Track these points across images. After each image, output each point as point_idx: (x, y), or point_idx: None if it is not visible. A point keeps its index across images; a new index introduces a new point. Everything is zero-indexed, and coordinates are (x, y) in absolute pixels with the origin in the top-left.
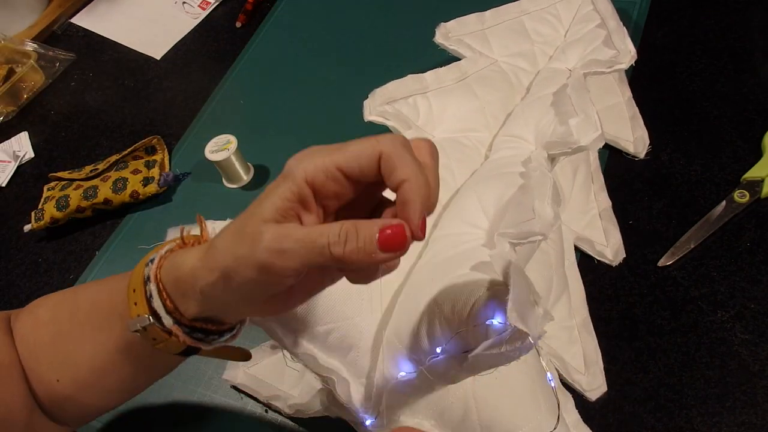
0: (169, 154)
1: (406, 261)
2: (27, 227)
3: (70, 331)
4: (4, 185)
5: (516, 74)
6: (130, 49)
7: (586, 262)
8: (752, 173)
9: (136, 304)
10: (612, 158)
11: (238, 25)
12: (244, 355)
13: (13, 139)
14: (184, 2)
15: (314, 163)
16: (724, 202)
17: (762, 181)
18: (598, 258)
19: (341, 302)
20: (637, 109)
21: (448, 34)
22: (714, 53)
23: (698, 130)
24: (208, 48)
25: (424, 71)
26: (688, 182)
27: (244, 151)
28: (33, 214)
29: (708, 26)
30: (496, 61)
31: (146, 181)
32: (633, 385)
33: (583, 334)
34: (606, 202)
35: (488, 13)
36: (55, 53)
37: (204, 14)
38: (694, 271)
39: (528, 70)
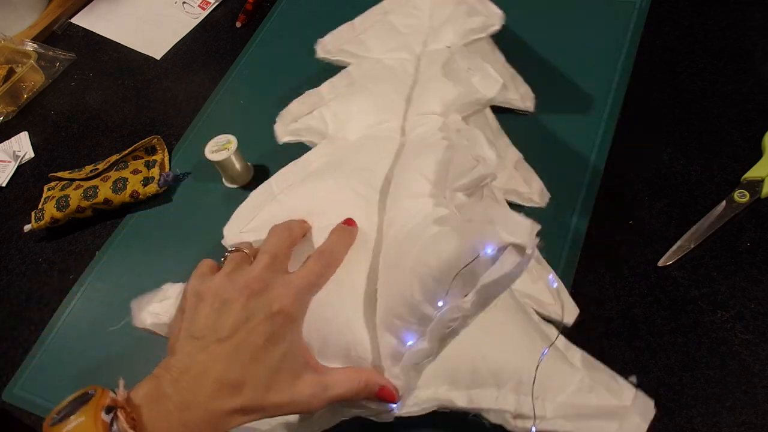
0: (169, 154)
1: (365, 248)
2: (27, 227)
3: None
4: (4, 185)
5: (401, 65)
6: (130, 49)
7: (585, 261)
8: (752, 173)
9: None
10: (612, 158)
11: (238, 25)
12: None
13: (13, 139)
14: (184, 2)
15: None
16: (724, 202)
17: (762, 181)
18: (528, 204)
19: (320, 308)
20: (514, 70)
21: (327, 47)
22: (714, 53)
23: (698, 130)
24: (208, 48)
25: None
26: (688, 182)
27: (244, 151)
28: (33, 214)
29: (708, 26)
30: (380, 59)
31: (146, 181)
32: None
33: (540, 270)
34: (516, 155)
35: (357, 20)
36: (55, 53)
37: (204, 14)
38: (694, 271)
39: (410, 59)
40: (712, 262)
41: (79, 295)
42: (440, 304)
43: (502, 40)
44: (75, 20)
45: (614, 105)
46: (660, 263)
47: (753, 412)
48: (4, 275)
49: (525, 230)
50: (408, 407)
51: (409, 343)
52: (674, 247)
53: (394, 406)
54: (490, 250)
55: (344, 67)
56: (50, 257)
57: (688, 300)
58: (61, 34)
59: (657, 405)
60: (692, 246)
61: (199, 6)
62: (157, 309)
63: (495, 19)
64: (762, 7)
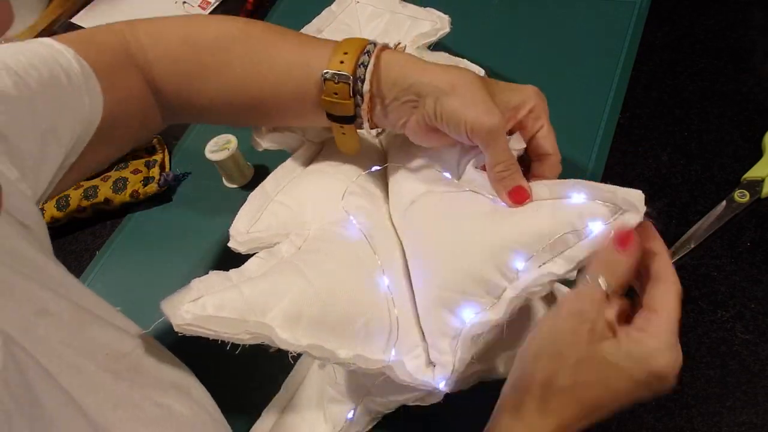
0: (169, 153)
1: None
2: None
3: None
4: None
5: None
6: None
7: None
8: (752, 173)
9: (342, 62)
10: (612, 158)
11: None
12: None
13: None
14: (184, 2)
15: None
16: (724, 202)
17: (762, 181)
18: None
19: (360, 295)
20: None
21: None
22: (714, 53)
23: (698, 130)
24: None
25: None
26: (688, 182)
27: (244, 151)
28: None
29: (708, 26)
30: None
31: (146, 181)
32: None
33: None
34: None
35: None
36: None
37: (204, 14)
38: (694, 271)
39: None
40: (712, 262)
41: None
42: (520, 270)
43: (503, 39)
44: (75, 20)
45: (614, 105)
46: None
47: (753, 412)
48: None
49: (639, 198)
50: (456, 383)
51: (474, 314)
52: (674, 247)
53: (442, 385)
54: (597, 222)
55: None
56: None
57: (688, 300)
58: None
59: (657, 405)
60: (692, 246)
61: (199, 6)
62: (192, 309)
63: (444, 22)
64: (762, 7)
